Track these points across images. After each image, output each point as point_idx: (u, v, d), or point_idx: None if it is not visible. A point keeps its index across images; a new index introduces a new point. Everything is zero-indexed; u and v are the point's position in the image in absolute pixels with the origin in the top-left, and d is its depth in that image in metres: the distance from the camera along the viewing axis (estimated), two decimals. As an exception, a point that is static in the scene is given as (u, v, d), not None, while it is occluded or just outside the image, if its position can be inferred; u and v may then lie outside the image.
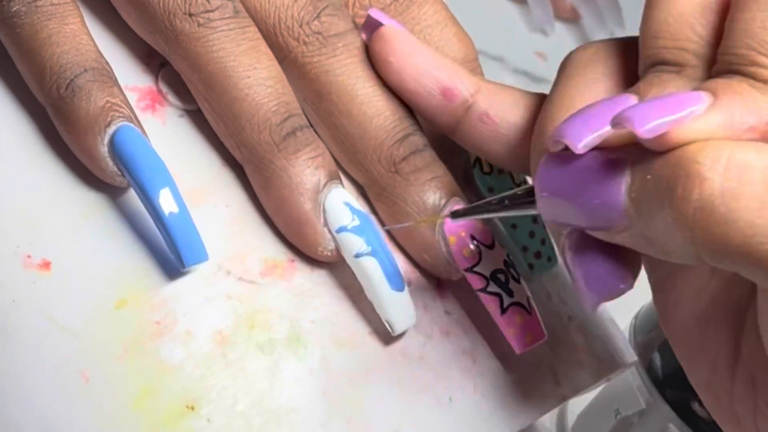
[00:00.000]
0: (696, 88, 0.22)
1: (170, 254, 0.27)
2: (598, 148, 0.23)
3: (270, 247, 0.29)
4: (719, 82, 0.22)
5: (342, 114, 0.29)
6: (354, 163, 0.30)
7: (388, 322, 0.28)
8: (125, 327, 0.26)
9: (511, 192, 0.26)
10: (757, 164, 0.20)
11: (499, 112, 0.28)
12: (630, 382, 0.42)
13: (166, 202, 0.26)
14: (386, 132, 0.29)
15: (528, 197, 0.25)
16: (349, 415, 0.27)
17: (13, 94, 0.29)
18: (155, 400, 0.26)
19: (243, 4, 0.29)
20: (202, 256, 0.27)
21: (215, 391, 0.26)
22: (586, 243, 0.24)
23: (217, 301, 0.27)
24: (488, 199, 0.27)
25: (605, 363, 0.32)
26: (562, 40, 0.61)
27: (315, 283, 0.29)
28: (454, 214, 0.27)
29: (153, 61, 0.30)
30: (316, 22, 0.29)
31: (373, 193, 0.30)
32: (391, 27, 0.30)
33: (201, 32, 0.28)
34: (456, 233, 0.29)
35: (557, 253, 0.31)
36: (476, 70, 0.32)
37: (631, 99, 0.23)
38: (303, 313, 0.28)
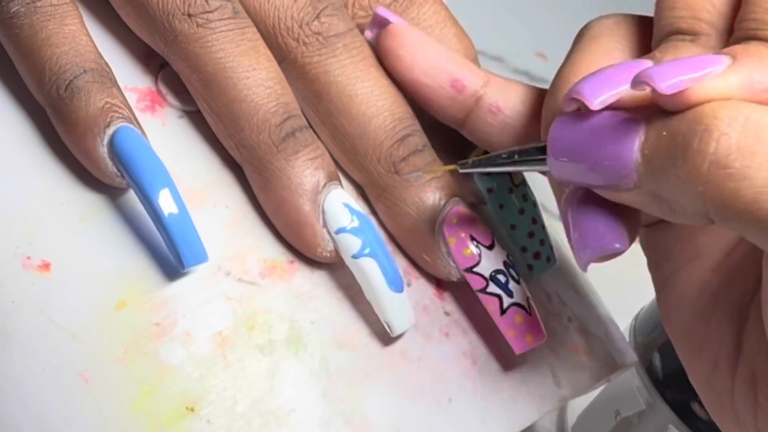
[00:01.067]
0: (715, 52, 0.23)
1: (170, 255, 0.27)
2: (612, 108, 0.23)
3: (270, 248, 0.29)
4: (737, 47, 0.23)
5: (341, 114, 0.29)
6: (353, 164, 0.30)
7: (387, 323, 0.28)
8: (125, 328, 0.26)
9: (521, 147, 0.26)
10: None
11: (509, 103, 0.29)
12: (630, 382, 0.42)
13: (166, 203, 0.26)
14: (386, 132, 0.29)
15: (538, 153, 0.26)
16: (348, 415, 0.27)
17: (12, 95, 0.29)
18: (155, 402, 0.26)
19: (242, 4, 0.29)
20: (201, 257, 0.27)
21: (215, 392, 0.26)
22: (588, 200, 0.24)
23: (216, 302, 0.27)
24: (498, 153, 0.27)
25: (605, 364, 0.32)
26: (562, 40, 0.61)
27: (315, 284, 0.29)
28: (463, 165, 0.27)
29: (152, 61, 0.30)
30: (315, 23, 0.29)
31: (373, 193, 0.30)
32: (399, 24, 0.30)
33: (200, 33, 0.28)
34: (456, 234, 0.29)
35: (556, 254, 0.31)
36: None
37: (647, 63, 0.24)
38: (303, 314, 0.28)
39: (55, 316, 0.26)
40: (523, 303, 0.29)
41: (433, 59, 0.30)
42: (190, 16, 0.28)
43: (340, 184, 0.29)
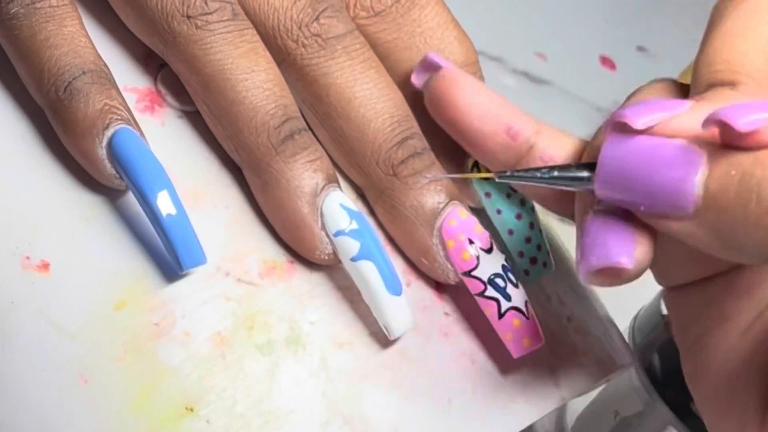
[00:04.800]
0: None
1: (169, 256, 0.27)
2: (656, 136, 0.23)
3: (269, 249, 0.29)
4: None
5: (340, 116, 0.29)
6: (352, 166, 0.30)
7: (385, 326, 0.28)
8: (124, 329, 0.26)
9: (562, 165, 0.26)
10: None
11: (560, 154, 0.28)
12: (629, 383, 0.42)
13: (164, 205, 0.26)
14: (384, 135, 0.29)
15: (580, 171, 0.25)
16: (348, 416, 0.27)
17: (11, 96, 0.29)
18: (154, 402, 0.26)
19: (242, 6, 0.29)
20: (200, 259, 0.27)
21: (214, 393, 0.26)
22: (609, 213, 0.24)
23: (216, 302, 0.27)
24: (537, 167, 0.27)
25: (604, 364, 0.32)
26: (562, 40, 0.61)
27: (314, 285, 0.29)
28: (501, 175, 0.27)
29: (152, 62, 0.30)
30: (315, 24, 0.29)
31: (372, 196, 0.30)
32: (452, 68, 0.30)
33: (199, 35, 0.28)
34: (454, 237, 0.29)
35: (552, 259, 0.31)
36: (477, 73, 0.32)
37: (686, 103, 0.24)
38: (302, 314, 0.28)
39: (55, 316, 0.26)
40: (521, 307, 0.29)
41: (487, 105, 0.29)
42: (189, 17, 0.28)
43: (339, 187, 0.29)
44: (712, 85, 0.25)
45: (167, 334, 0.27)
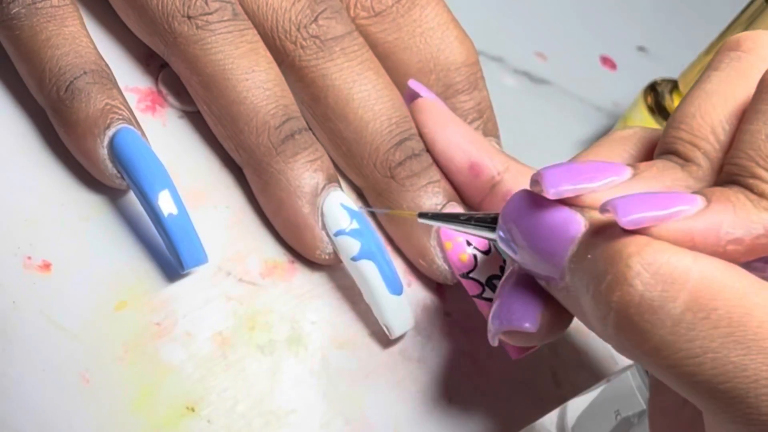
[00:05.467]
0: (694, 192, 0.22)
1: (170, 256, 0.27)
2: (568, 204, 0.23)
3: (270, 248, 0.29)
4: (716, 190, 0.22)
5: (338, 118, 0.29)
6: (351, 167, 0.30)
7: (386, 326, 0.28)
8: (125, 328, 0.26)
9: (479, 213, 0.26)
10: (686, 280, 0.20)
11: None
12: (630, 382, 0.42)
13: (165, 205, 0.26)
14: (382, 137, 0.29)
15: (492, 223, 0.25)
16: (349, 415, 0.27)
17: (13, 96, 0.29)
18: (155, 402, 0.26)
19: (242, 6, 0.29)
20: (201, 259, 0.27)
21: (215, 393, 0.26)
22: (520, 278, 0.24)
23: (217, 302, 0.27)
24: (456, 213, 0.27)
25: (605, 364, 0.32)
26: (562, 40, 0.61)
27: (315, 285, 0.29)
28: (422, 215, 0.27)
29: (153, 62, 0.30)
30: (313, 26, 0.29)
31: (371, 197, 0.30)
32: (426, 99, 0.30)
33: (199, 35, 0.28)
34: (452, 239, 0.29)
35: None
36: (477, 74, 0.32)
37: (625, 171, 0.23)
38: (303, 314, 0.28)
39: (56, 316, 0.26)
40: None
41: (453, 139, 0.29)
42: (189, 18, 0.28)
43: (340, 186, 0.29)
44: (668, 152, 0.24)
45: (168, 334, 0.27)
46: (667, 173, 0.23)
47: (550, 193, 0.22)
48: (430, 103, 0.30)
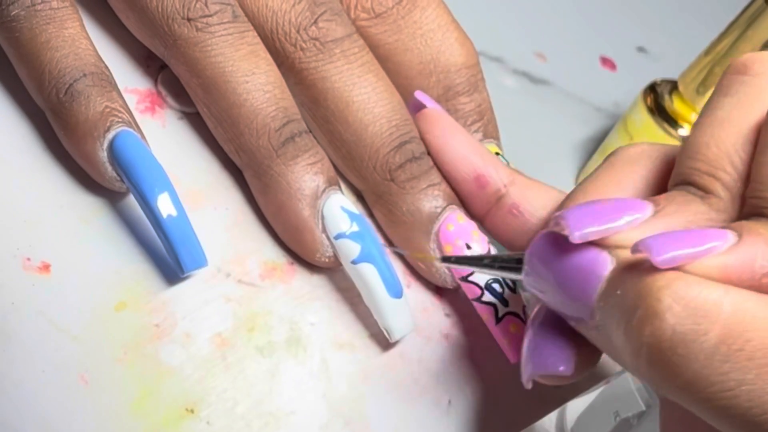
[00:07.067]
0: (724, 227, 0.22)
1: (170, 259, 0.27)
2: (594, 243, 0.23)
3: (269, 250, 0.29)
4: (745, 224, 0.22)
5: (338, 121, 0.29)
6: (350, 170, 0.30)
7: (386, 329, 0.28)
8: (124, 330, 0.26)
9: (503, 255, 0.26)
10: (719, 313, 0.20)
11: (530, 206, 0.28)
12: (629, 383, 0.42)
13: (165, 207, 0.26)
14: (382, 139, 0.29)
15: (517, 264, 0.25)
16: (348, 417, 0.27)
17: (12, 98, 0.29)
18: (154, 403, 0.26)
19: (242, 8, 0.29)
20: (201, 262, 0.27)
21: (215, 394, 0.26)
22: (549, 319, 0.24)
23: (216, 303, 0.27)
24: (480, 255, 0.27)
25: (605, 364, 0.32)
26: (562, 40, 0.61)
27: (314, 286, 0.29)
28: (445, 259, 0.27)
29: (153, 63, 0.30)
30: (313, 28, 0.29)
31: (370, 200, 0.30)
32: (433, 109, 0.30)
33: (199, 37, 0.28)
34: (452, 242, 0.29)
35: None
36: (477, 75, 0.32)
37: (647, 207, 0.23)
38: (302, 315, 0.28)
39: (55, 317, 0.26)
40: (519, 312, 0.29)
41: (459, 150, 0.29)
42: (189, 20, 0.28)
43: (340, 189, 0.29)
44: (686, 183, 0.24)
45: (168, 335, 0.27)
46: (688, 207, 0.23)
47: (576, 237, 0.22)
48: (436, 113, 0.30)
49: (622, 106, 0.57)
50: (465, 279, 0.29)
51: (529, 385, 0.25)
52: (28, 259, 0.27)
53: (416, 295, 0.30)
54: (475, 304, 0.29)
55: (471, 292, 0.29)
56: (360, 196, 0.31)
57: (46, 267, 0.27)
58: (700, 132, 0.24)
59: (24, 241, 0.27)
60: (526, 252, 0.24)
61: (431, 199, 0.29)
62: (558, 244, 0.23)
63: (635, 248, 0.21)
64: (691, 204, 0.23)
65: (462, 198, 0.30)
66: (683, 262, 0.21)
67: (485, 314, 0.28)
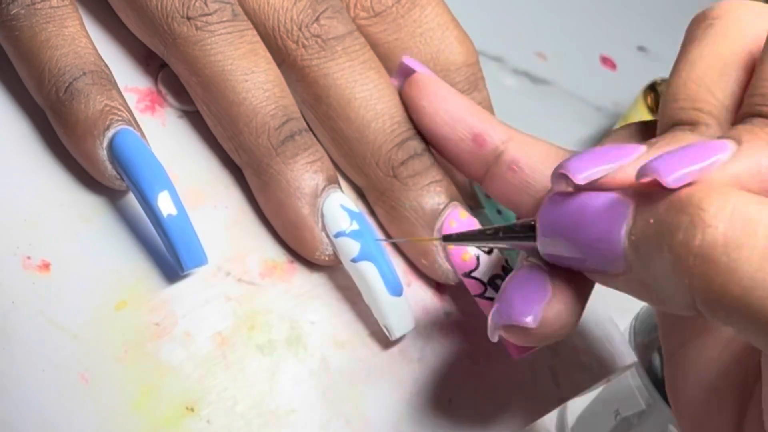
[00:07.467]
0: (719, 137, 0.22)
1: (170, 257, 0.27)
2: (600, 189, 0.23)
3: (270, 249, 0.29)
4: (741, 128, 0.22)
5: (340, 118, 0.29)
6: (352, 167, 0.30)
7: (386, 327, 0.28)
8: (125, 328, 0.26)
9: (507, 224, 0.26)
10: (761, 217, 0.20)
11: (530, 162, 0.28)
12: (630, 383, 0.42)
13: (165, 206, 0.26)
14: (384, 136, 0.29)
15: (524, 232, 0.25)
16: (348, 416, 0.27)
17: (12, 97, 0.29)
18: (155, 402, 0.26)
19: (242, 6, 0.29)
20: (201, 260, 0.27)
21: (215, 392, 0.26)
22: (527, 275, 0.24)
23: (216, 302, 0.27)
24: (482, 228, 0.26)
25: (605, 364, 0.32)
26: (562, 40, 0.61)
27: (315, 285, 0.29)
28: (446, 238, 0.27)
29: (153, 62, 0.30)
30: (315, 25, 0.29)
31: (372, 197, 0.30)
32: (423, 74, 0.30)
33: (199, 36, 0.28)
34: (455, 238, 0.29)
35: None
36: (477, 74, 0.32)
37: (640, 148, 0.23)
38: (303, 314, 0.28)
39: (55, 316, 0.26)
40: None
41: (455, 111, 0.29)
42: (189, 18, 0.28)
43: (340, 187, 0.29)
44: (674, 124, 0.24)
45: (168, 334, 0.27)
46: (680, 138, 0.23)
47: (579, 179, 0.22)
48: (427, 77, 0.30)
49: (622, 106, 0.57)
50: (467, 275, 0.28)
51: (494, 338, 0.24)
52: (28, 257, 0.27)
53: (416, 293, 0.30)
54: (477, 300, 0.29)
55: (473, 288, 0.29)
56: (360, 194, 0.31)
57: (46, 266, 0.27)
58: (676, 76, 0.25)
59: (24, 240, 0.27)
60: (538, 214, 0.24)
61: (434, 195, 0.29)
62: (569, 199, 0.23)
63: (641, 172, 0.21)
64: (682, 135, 0.24)
65: (460, 160, 0.29)
66: (693, 178, 0.21)
67: (488, 310, 0.28)
